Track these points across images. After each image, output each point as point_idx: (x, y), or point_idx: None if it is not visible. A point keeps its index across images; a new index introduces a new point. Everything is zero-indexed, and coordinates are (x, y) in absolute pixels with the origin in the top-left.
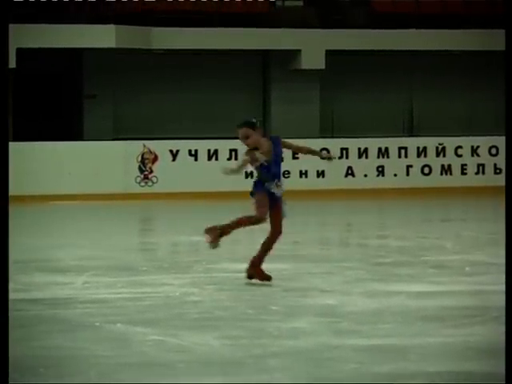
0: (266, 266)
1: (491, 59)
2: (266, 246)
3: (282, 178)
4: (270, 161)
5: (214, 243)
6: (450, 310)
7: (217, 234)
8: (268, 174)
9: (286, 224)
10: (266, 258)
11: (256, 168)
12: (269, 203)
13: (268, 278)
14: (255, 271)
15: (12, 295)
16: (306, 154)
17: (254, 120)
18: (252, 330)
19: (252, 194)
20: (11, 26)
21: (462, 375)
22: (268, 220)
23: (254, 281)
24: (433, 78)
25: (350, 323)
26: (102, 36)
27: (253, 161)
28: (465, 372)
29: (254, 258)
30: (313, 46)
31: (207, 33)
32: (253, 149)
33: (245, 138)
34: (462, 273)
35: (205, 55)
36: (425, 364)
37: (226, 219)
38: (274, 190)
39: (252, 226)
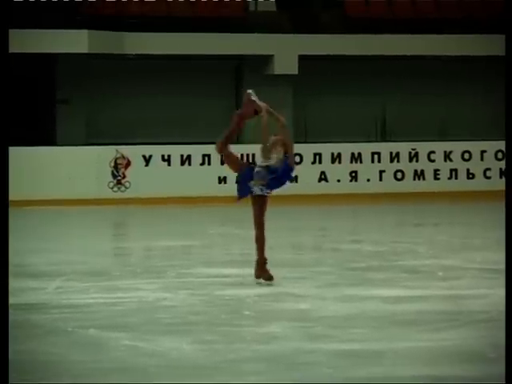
0: (239, 271)
1: (464, 64)
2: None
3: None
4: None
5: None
6: (424, 314)
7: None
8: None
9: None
10: (243, 263)
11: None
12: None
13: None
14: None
15: None
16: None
17: None
18: (225, 335)
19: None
20: None
21: (436, 379)
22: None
23: (226, 285)
24: (405, 83)
25: (324, 328)
26: (74, 41)
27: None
28: (439, 376)
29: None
30: (286, 51)
31: (180, 38)
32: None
33: None
34: (435, 277)
35: (178, 60)
36: (398, 368)
37: (198, 224)
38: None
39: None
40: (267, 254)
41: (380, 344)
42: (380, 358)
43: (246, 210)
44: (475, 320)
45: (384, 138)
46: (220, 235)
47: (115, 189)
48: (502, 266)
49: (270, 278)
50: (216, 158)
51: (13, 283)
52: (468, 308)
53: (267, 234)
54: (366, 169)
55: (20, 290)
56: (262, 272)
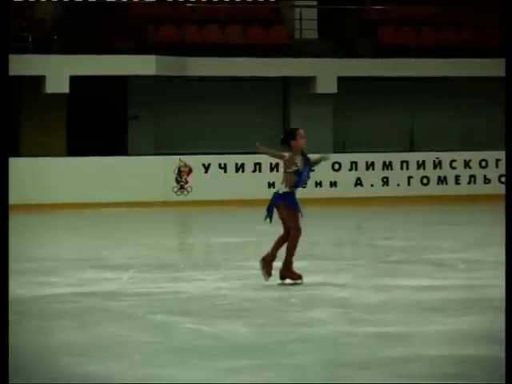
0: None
1: (484, 84)
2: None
3: None
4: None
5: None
6: (449, 301)
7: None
8: (300, 181)
9: (303, 228)
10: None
11: (291, 172)
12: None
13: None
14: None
15: (68, 289)
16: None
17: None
18: (275, 319)
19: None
20: (65, 57)
21: (460, 358)
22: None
23: (275, 276)
24: (431, 101)
25: (361, 313)
26: (144, 65)
27: (290, 163)
28: (462, 355)
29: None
30: (326, 73)
31: (235, 62)
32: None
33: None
34: (459, 269)
35: (233, 81)
36: (426, 348)
37: (250, 223)
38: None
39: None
40: (310, 248)
41: (410, 327)
42: (410, 339)
43: None
44: (492, 306)
45: (412, 148)
46: (270, 233)
47: (179, 193)
48: None
49: (299, 277)
50: (266, 165)
51: (93, 274)
52: (489, 296)
53: (311, 231)
54: (396, 175)
55: (99, 280)
56: (291, 272)
